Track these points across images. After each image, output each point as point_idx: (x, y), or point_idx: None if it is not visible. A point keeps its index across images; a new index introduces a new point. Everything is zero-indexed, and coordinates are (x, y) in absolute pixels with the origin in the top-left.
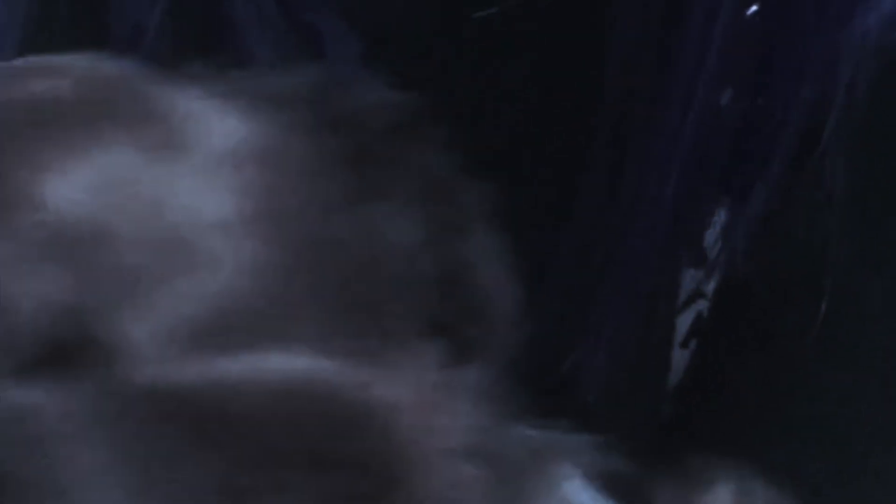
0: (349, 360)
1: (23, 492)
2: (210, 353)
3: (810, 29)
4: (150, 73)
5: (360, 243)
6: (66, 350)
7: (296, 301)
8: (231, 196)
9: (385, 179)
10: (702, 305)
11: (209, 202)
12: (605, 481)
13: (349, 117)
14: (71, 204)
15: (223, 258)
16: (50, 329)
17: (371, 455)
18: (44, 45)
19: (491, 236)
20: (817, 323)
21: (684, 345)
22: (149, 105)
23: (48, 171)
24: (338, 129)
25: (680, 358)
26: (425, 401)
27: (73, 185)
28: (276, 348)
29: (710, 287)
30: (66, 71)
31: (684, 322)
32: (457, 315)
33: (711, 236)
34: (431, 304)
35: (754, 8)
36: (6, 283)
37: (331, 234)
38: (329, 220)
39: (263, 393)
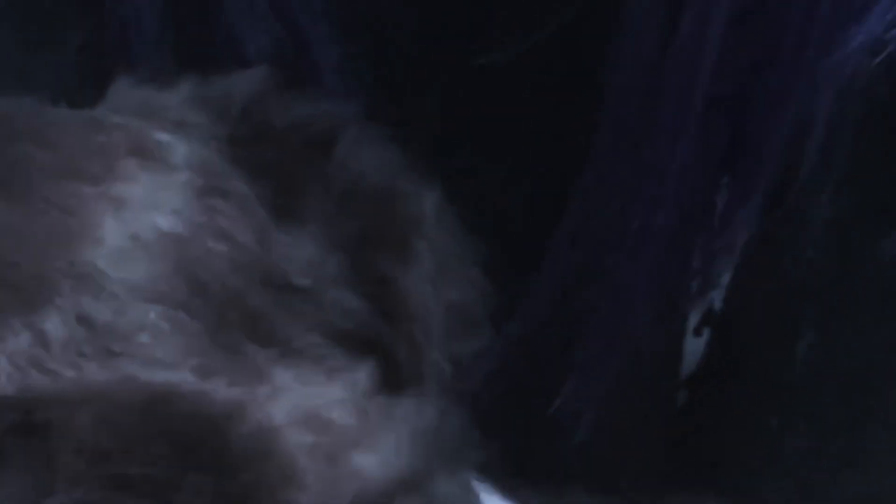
0: (222, 378)
1: None
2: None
3: (790, 58)
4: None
5: (260, 259)
6: None
7: (176, 319)
8: (134, 216)
9: (301, 194)
10: (714, 295)
11: (108, 226)
12: None
13: (271, 130)
14: None
15: (107, 277)
16: None
17: (236, 465)
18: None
19: (427, 253)
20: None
21: (697, 333)
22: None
23: None
24: (258, 142)
25: (693, 347)
26: (312, 420)
27: None
28: (146, 363)
29: (723, 277)
30: None
31: (697, 312)
32: (382, 335)
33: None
34: (348, 322)
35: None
36: None
37: (228, 249)
38: (231, 235)
39: (126, 403)
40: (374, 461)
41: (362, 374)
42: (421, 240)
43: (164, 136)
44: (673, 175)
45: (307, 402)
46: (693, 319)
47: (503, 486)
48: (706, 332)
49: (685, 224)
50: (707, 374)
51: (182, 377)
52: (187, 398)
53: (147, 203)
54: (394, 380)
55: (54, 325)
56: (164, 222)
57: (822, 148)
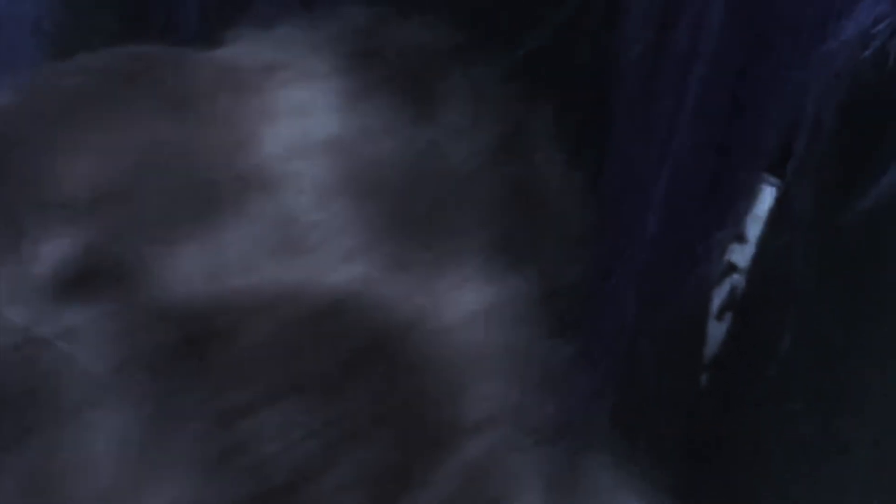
0: (400, 274)
1: (47, 404)
2: (255, 272)
3: (782, 49)
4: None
5: (416, 163)
6: (98, 276)
7: (351, 218)
8: (289, 123)
9: (439, 103)
10: (737, 279)
11: (267, 131)
12: None
13: (398, 49)
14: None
15: (285, 181)
16: (84, 255)
17: (401, 380)
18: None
19: (555, 157)
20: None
21: (719, 317)
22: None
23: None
24: (388, 60)
25: (716, 330)
26: (475, 320)
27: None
28: (328, 263)
29: (745, 261)
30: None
31: (719, 295)
32: (523, 234)
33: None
34: (496, 223)
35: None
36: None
37: (386, 156)
38: (385, 143)
39: (297, 311)
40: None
41: (523, 280)
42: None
43: (302, 54)
44: (675, 165)
45: (475, 307)
46: (716, 303)
47: None
48: (728, 317)
49: (698, 211)
50: (728, 357)
51: (355, 280)
52: (361, 301)
53: (305, 110)
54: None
55: (230, 232)
56: (325, 127)
57: (811, 137)
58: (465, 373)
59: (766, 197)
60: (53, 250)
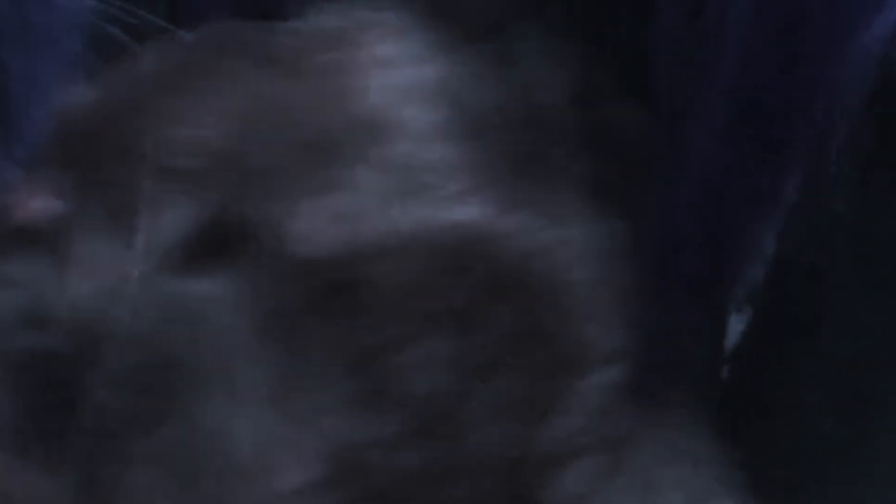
0: (514, 212)
1: (188, 376)
2: (383, 216)
3: (820, 39)
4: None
5: (511, 107)
6: (227, 239)
7: (461, 160)
8: (389, 73)
9: (517, 54)
10: (757, 272)
11: (370, 81)
12: None
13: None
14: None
15: (395, 128)
16: (210, 220)
17: (530, 311)
18: None
19: (625, 107)
20: None
21: (739, 310)
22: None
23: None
24: (464, 14)
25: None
26: (583, 257)
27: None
28: (447, 204)
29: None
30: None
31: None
32: (608, 178)
33: None
34: (586, 165)
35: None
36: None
37: (484, 100)
38: (480, 89)
39: (427, 250)
40: None
41: (614, 222)
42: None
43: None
44: (706, 158)
45: (582, 245)
46: (736, 295)
47: None
48: (748, 309)
49: (723, 203)
50: (749, 349)
51: (475, 218)
52: (484, 238)
53: (402, 60)
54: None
55: (352, 180)
56: (424, 75)
57: (839, 129)
58: (581, 308)
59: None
60: (177, 219)
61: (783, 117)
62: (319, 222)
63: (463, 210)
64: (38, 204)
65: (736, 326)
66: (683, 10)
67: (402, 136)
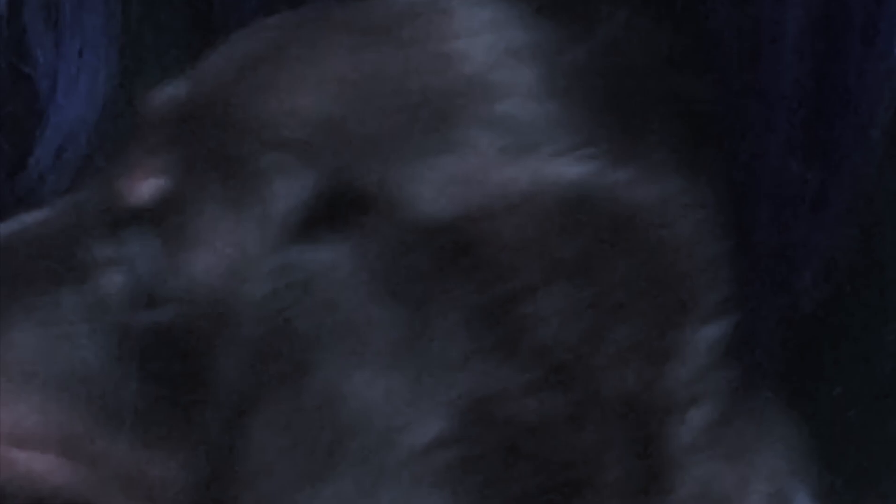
0: (618, 167)
1: (315, 343)
2: (498, 175)
3: (858, 57)
4: None
5: (601, 67)
6: (345, 207)
7: (563, 118)
8: (486, 37)
9: (594, 22)
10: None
11: (469, 45)
12: None
13: None
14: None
15: (499, 88)
16: (327, 188)
17: (642, 262)
18: None
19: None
20: None
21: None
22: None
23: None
24: None
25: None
26: (682, 211)
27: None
28: (555, 160)
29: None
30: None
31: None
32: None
33: None
34: (674, 123)
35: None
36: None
37: (575, 61)
38: (570, 50)
39: (543, 205)
40: None
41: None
42: None
43: None
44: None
45: (680, 199)
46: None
47: None
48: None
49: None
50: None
51: (584, 173)
52: (595, 191)
53: (495, 25)
54: None
55: (463, 140)
56: (518, 38)
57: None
58: (689, 260)
59: None
60: (292, 189)
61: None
62: (437, 185)
63: (570, 168)
64: (147, 183)
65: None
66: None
67: (509, 95)
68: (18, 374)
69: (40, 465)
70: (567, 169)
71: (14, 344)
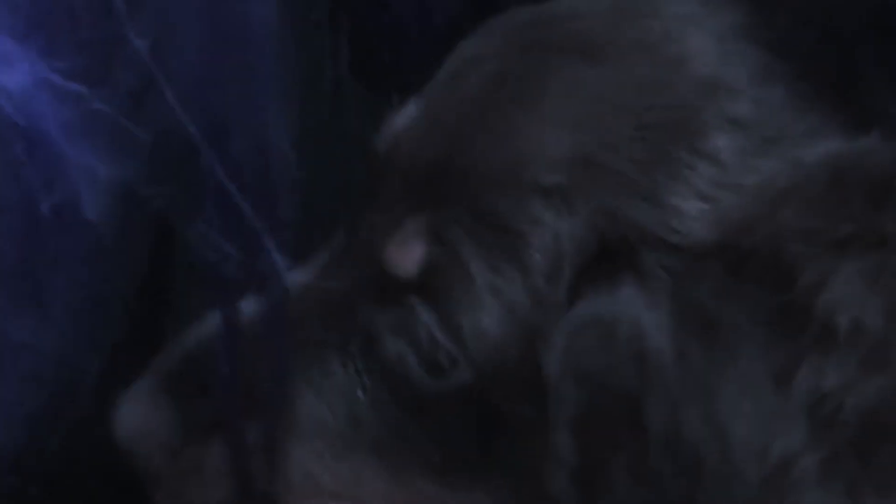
0: (865, 132)
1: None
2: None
3: None
4: None
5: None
6: (614, 248)
7: (798, 97)
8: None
9: None
10: None
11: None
12: None
13: None
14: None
15: (735, 80)
16: (593, 232)
17: None
18: None
19: None
20: None
21: None
22: None
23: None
24: None
25: None
26: None
27: None
28: (804, 140)
29: None
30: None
31: None
32: None
33: None
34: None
35: None
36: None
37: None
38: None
39: (805, 191)
40: None
41: None
42: None
43: None
44: None
45: None
46: None
47: None
48: None
49: None
50: None
51: (836, 144)
52: (850, 159)
53: (707, 13)
54: None
55: (715, 144)
56: (732, 20)
57: None
58: None
59: None
60: (557, 238)
61: None
62: (699, 204)
63: (821, 143)
64: (411, 251)
65: None
66: None
67: (740, 91)
68: (309, 431)
69: None
70: (818, 148)
71: (306, 406)
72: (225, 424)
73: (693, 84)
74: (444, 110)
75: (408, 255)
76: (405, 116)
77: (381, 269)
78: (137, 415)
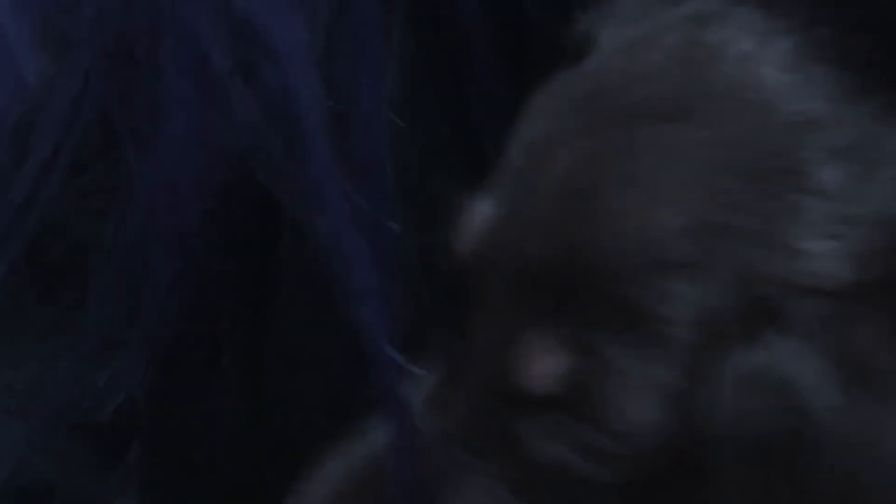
0: None
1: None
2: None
3: None
4: None
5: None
6: (756, 304)
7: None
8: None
9: None
10: None
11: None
12: None
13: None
14: None
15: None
16: (729, 301)
17: None
18: None
19: None
20: None
21: None
22: None
23: None
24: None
25: None
26: None
27: None
28: None
29: None
30: None
31: None
32: None
33: None
34: None
35: None
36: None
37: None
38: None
39: None
40: None
41: None
42: None
43: None
44: None
45: None
46: None
47: None
48: None
49: None
50: None
51: None
52: None
53: (767, 37)
54: None
55: (821, 176)
56: (789, 41)
57: None
58: None
59: None
60: (695, 314)
61: None
62: (826, 242)
63: None
64: (544, 365)
65: None
66: None
67: (829, 117)
68: None
69: None
70: None
71: None
72: None
73: (782, 124)
74: (533, 202)
75: (544, 371)
76: (483, 212)
77: (510, 383)
78: None
